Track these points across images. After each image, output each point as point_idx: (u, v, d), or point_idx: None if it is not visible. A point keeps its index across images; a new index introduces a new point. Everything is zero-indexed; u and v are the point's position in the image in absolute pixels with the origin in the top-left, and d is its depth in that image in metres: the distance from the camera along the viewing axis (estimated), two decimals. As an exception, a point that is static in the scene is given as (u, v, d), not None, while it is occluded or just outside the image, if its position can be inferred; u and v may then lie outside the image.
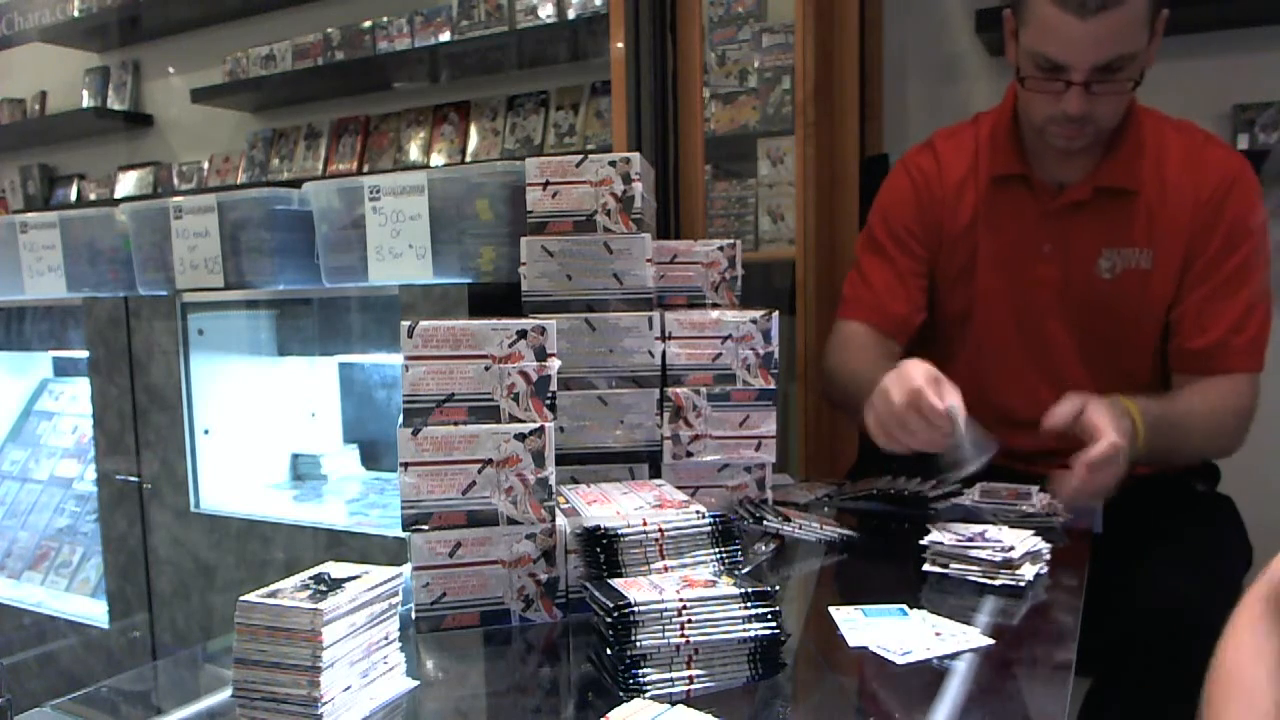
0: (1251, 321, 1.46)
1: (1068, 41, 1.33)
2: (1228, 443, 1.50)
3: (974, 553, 1.12)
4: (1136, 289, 1.50)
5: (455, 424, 1.02)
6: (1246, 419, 1.48)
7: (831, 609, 1.02)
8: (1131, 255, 1.49)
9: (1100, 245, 1.50)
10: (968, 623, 0.98)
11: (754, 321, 1.31)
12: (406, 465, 1.01)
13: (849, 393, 1.52)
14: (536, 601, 1.04)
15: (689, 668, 0.85)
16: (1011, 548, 1.11)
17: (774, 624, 0.86)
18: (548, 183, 1.31)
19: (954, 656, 0.90)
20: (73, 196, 4.47)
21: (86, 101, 4.28)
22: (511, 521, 1.03)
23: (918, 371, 1.25)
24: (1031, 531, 1.18)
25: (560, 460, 1.09)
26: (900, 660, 0.89)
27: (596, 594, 0.88)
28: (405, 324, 1.03)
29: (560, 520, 1.05)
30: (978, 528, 1.20)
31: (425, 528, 1.01)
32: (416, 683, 0.89)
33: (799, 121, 2.07)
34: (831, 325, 1.94)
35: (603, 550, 0.96)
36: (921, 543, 1.17)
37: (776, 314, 1.32)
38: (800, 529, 1.28)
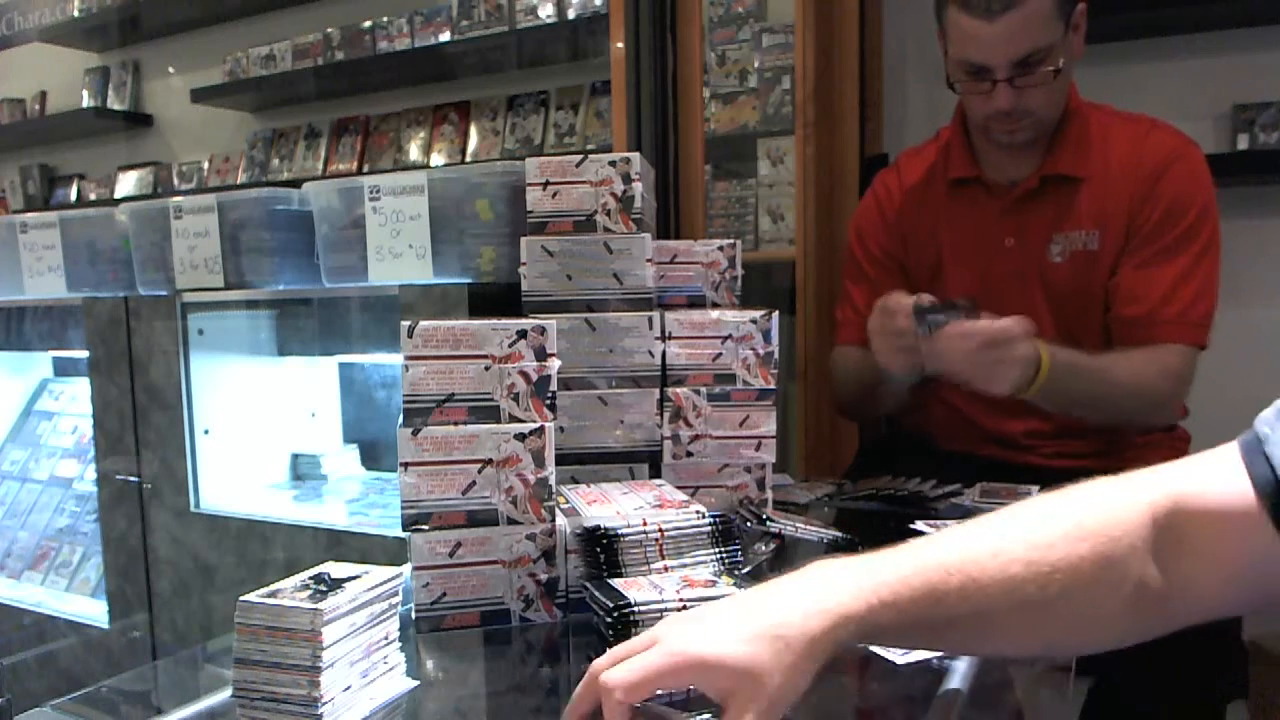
0: (1182, 294, 1.49)
1: (982, 44, 1.44)
2: (1152, 409, 1.53)
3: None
4: (1086, 270, 1.55)
5: (455, 424, 1.02)
6: (1175, 388, 1.50)
7: (831, 609, 1.01)
8: (1079, 238, 1.55)
9: (1050, 231, 1.57)
10: (968, 623, 0.98)
11: (754, 321, 1.31)
12: (406, 465, 1.01)
13: (862, 384, 1.66)
14: (536, 601, 1.04)
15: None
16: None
17: (774, 624, 0.86)
18: (548, 183, 1.31)
19: (954, 657, 0.90)
20: (73, 196, 4.47)
21: (86, 101, 4.28)
22: (511, 521, 1.03)
23: (894, 296, 1.44)
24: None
25: (560, 460, 1.09)
26: (900, 660, 0.89)
27: (596, 594, 0.88)
28: (405, 324, 1.03)
29: (560, 520, 1.05)
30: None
31: (425, 528, 1.01)
32: (416, 683, 0.89)
33: (799, 121, 2.07)
34: (832, 325, 1.96)
35: (603, 550, 0.96)
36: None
37: (776, 314, 1.32)
38: (799, 530, 1.28)
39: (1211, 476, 0.70)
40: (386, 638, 0.86)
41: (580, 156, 1.30)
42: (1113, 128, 1.58)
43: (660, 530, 0.98)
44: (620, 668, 0.64)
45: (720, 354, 1.31)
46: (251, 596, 0.79)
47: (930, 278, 1.69)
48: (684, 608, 0.85)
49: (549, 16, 3.01)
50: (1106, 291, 1.56)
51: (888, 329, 1.43)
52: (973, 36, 1.44)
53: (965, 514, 1.32)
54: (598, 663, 0.67)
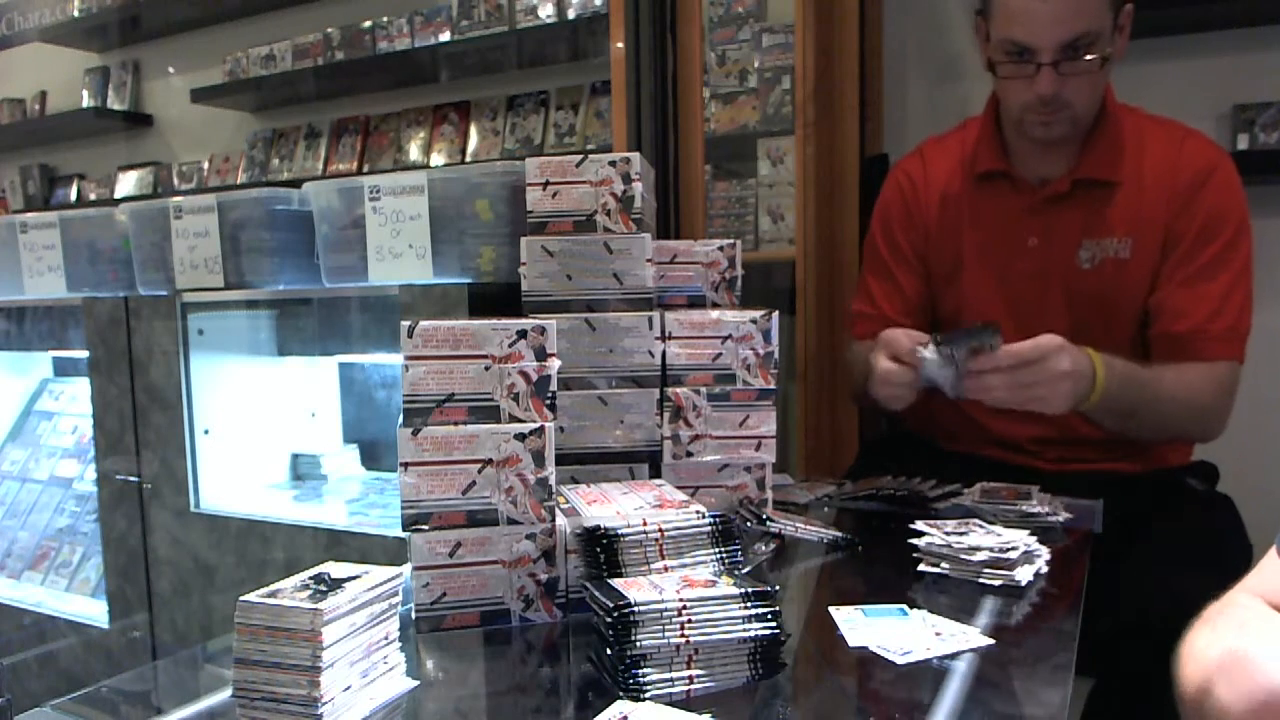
0: (1228, 309, 1.47)
1: (1032, 22, 1.40)
2: (1204, 426, 1.51)
3: (963, 553, 1.12)
4: (1116, 278, 1.53)
5: (455, 424, 1.02)
6: (1225, 405, 1.49)
7: (831, 609, 1.02)
8: (1110, 245, 1.52)
9: (1080, 236, 1.54)
10: (968, 623, 0.98)
11: (754, 321, 1.31)
12: (406, 465, 1.01)
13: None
14: (536, 601, 1.04)
15: (689, 668, 0.85)
16: (1001, 547, 1.11)
17: (774, 624, 0.86)
18: (548, 183, 1.31)
19: (954, 656, 0.90)
20: (73, 196, 4.47)
21: (86, 101, 4.28)
22: (511, 521, 1.03)
23: (895, 333, 1.43)
24: (1028, 531, 1.18)
25: (560, 460, 1.09)
26: (900, 660, 0.89)
27: (596, 594, 0.88)
28: (405, 324, 1.03)
29: (560, 520, 1.05)
30: (966, 525, 1.20)
31: (425, 528, 1.01)
32: (416, 683, 0.89)
33: (799, 121, 2.07)
34: (832, 325, 1.96)
35: (603, 550, 0.96)
36: (912, 542, 1.17)
37: (776, 314, 1.32)
38: (799, 530, 1.28)
39: None
40: (386, 638, 0.86)
41: (580, 156, 1.30)
42: (1147, 132, 1.54)
43: (660, 530, 0.98)
44: None
45: (720, 354, 1.31)
46: (251, 596, 0.79)
47: (950, 274, 1.66)
48: (684, 608, 0.85)
49: (549, 16, 3.01)
50: (1136, 303, 1.53)
51: (890, 379, 1.41)
52: (1021, 14, 1.40)
53: (966, 514, 1.32)
54: None
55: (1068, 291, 1.56)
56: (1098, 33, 1.41)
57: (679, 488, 1.17)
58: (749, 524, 1.28)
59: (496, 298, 1.46)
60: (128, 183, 4.23)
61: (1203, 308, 1.47)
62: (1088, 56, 1.41)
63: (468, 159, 3.32)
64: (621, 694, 0.82)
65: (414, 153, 3.45)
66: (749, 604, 0.86)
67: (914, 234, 1.69)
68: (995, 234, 1.61)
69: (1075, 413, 1.40)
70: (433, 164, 3.39)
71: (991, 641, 0.93)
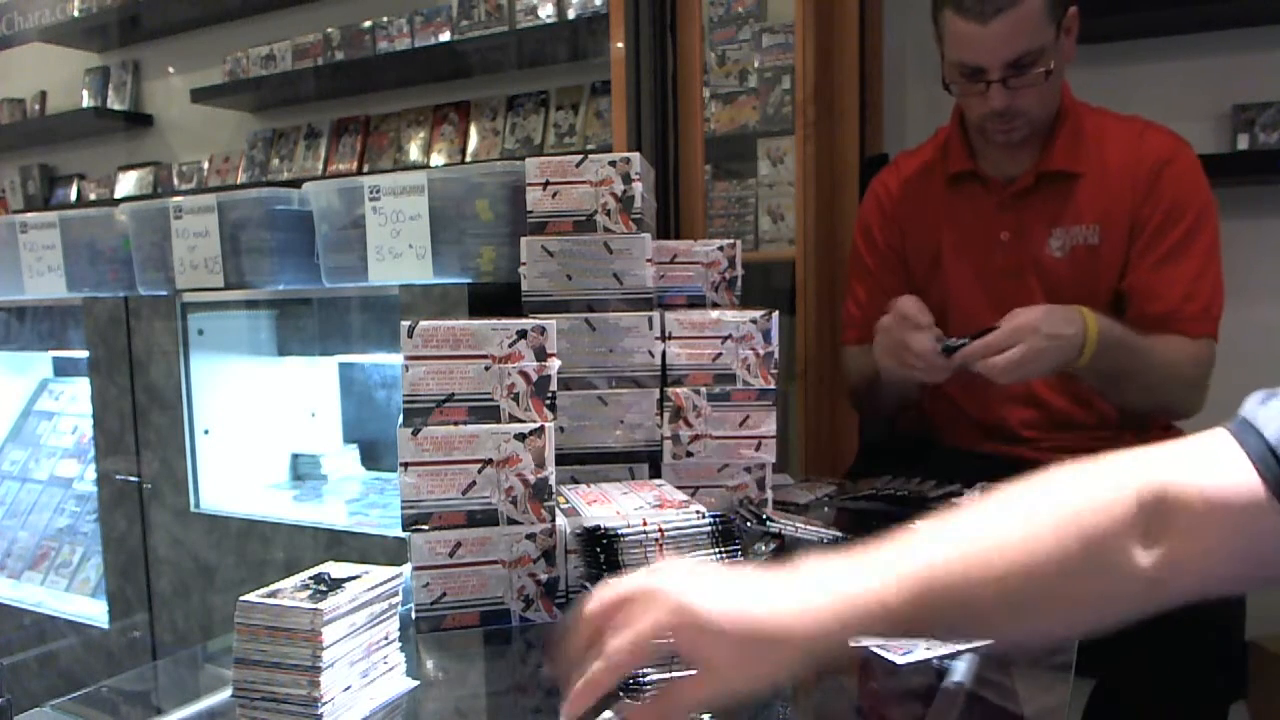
0: (1200, 291, 1.52)
1: (976, 46, 1.46)
2: (1185, 398, 1.55)
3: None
4: (1087, 264, 1.57)
5: (455, 424, 1.02)
6: (1204, 380, 1.53)
7: (831, 609, 1.01)
8: (1079, 232, 1.57)
9: (1049, 226, 1.59)
10: (968, 623, 0.98)
11: (754, 321, 1.31)
12: (406, 465, 1.01)
13: (868, 383, 1.68)
14: (536, 601, 1.04)
15: (689, 667, 0.84)
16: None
17: (774, 624, 0.86)
18: (548, 183, 1.31)
19: (954, 656, 0.90)
20: (73, 196, 4.46)
21: (86, 101, 4.28)
22: (511, 521, 1.03)
23: (908, 302, 1.45)
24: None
25: (560, 460, 1.09)
26: (900, 660, 0.90)
27: (596, 594, 0.88)
28: (405, 324, 1.03)
29: (560, 520, 1.05)
30: None
31: (425, 528, 1.01)
32: (416, 683, 0.89)
33: (799, 121, 2.07)
34: (832, 325, 1.96)
35: (603, 550, 0.96)
36: None
37: (776, 314, 1.32)
38: (799, 530, 1.28)
39: (1198, 455, 0.71)
40: (386, 638, 0.86)
41: (580, 156, 1.30)
42: (1107, 127, 1.60)
43: (660, 530, 0.98)
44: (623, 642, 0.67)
45: (720, 354, 1.31)
46: (251, 596, 0.79)
47: (929, 271, 1.70)
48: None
49: (549, 16, 3.01)
50: (1110, 287, 1.57)
51: (894, 336, 1.45)
52: (967, 38, 1.46)
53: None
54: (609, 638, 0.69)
55: (1043, 280, 1.60)
56: (1041, 48, 1.46)
57: (679, 488, 1.17)
58: (749, 524, 1.28)
59: (496, 298, 1.46)
60: (128, 183, 4.23)
61: (1176, 290, 1.52)
62: (1034, 70, 1.47)
63: (468, 159, 3.32)
64: (621, 694, 0.82)
65: (414, 153, 3.45)
66: (749, 604, 0.86)
67: (892, 234, 1.74)
68: (970, 233, 1.65)
69: (1067, 373, 1.44)
70: (433, 164, 3.39)
71: (991, 641, 0.93)
